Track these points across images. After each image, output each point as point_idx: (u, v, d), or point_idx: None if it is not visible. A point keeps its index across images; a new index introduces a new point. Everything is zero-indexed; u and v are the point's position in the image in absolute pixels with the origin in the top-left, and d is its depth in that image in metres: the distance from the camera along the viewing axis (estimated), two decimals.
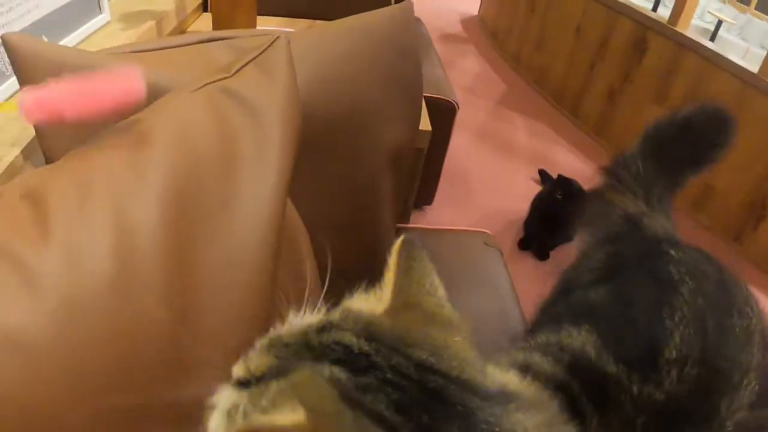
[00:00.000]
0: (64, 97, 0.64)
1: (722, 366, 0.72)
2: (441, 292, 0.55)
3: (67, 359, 0.51)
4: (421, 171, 1.85)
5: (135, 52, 0.93)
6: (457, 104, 2.19)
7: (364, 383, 0.43)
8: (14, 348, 0.48)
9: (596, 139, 3.68)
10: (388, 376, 0.44)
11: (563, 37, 4.12)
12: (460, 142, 3.12)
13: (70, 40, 1.50)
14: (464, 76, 4.50)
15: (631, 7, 3.44)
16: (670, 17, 3.18)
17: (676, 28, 3.12)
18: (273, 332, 0.50)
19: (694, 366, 0.70)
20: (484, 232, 1.63)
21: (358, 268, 1.14)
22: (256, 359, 0.47)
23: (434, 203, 2.67)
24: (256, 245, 0.63)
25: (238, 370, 0.47)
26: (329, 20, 2.11)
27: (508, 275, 1.53)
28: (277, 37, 0.76)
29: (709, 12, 3.65)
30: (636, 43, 3.41)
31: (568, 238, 2.73)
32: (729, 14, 3.59)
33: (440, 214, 2.56)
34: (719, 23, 3.35)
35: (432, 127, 1.69)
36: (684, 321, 0.75)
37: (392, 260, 0.55)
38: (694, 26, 3.35)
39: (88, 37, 1.58)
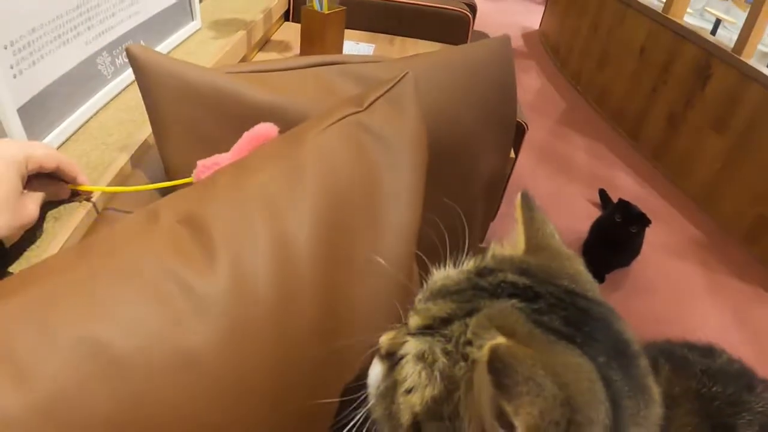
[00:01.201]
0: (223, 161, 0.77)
1: None
2: (557, 234, 0.66)
3: (234, 380, 0.53)
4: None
5: (254, 72, 0.96)
6: (526, 125, 2.19)
7: (537, 308, 0.52)
8: (190, 371, 0.51)
9: (654, 163, 3.66)
10: (551, 301, 0.53)
11: (626, 57, 4.10)
12: (520, 159, 3.13)
13: (164, 46, 1.54)
14: (525, 92, 4.50)
15: (696, 32, 3.41)
16: (734, 45, 3.15)
17: (740, 57, 3.09)
18: (430, 286, 0.60)
19: None
20: None
21: None
22: (435, 307, 0.55)
23: (496, 219, 2.68)
24: (394, 278, 0.67)
25: (417, 320, 0.56)
26: (407, 37, 2.16)
27: None
28: (406, 73, 0.79)
29: None
30: (699, 70, 3.37)
31: (625, 263, 2.73)
32: None
33: (501, 231, 2.56)
34: None
35: None
36: None
37: (517, 213, 0.68)
38: (757, 50, 3.31)
39: (180, 43, 1.63)
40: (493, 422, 0.44)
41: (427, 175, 0.77)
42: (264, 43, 1.99)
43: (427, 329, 0.53)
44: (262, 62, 1.00)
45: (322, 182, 0.64)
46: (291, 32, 2.10)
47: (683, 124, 3.48)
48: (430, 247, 1.00)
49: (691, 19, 3.96)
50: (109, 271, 0.54)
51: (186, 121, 0.89)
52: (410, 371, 0.51)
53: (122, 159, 1.03)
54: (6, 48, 0.93)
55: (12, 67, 0.95)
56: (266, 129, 0.82)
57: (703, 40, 3.34)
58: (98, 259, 0.56)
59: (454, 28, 2.16)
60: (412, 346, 0.53)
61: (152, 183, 0.99)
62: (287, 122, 0.83)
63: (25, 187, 0.78)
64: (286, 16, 2.22)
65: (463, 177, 1.08)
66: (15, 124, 0.95)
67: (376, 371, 0.58)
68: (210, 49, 1.60)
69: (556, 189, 3.33)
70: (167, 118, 0.89)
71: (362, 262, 0.65)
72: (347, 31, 1.82)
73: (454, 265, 0.64)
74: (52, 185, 0.85)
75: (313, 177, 0.64)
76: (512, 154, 1.62)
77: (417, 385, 0.50)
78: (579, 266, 0.62)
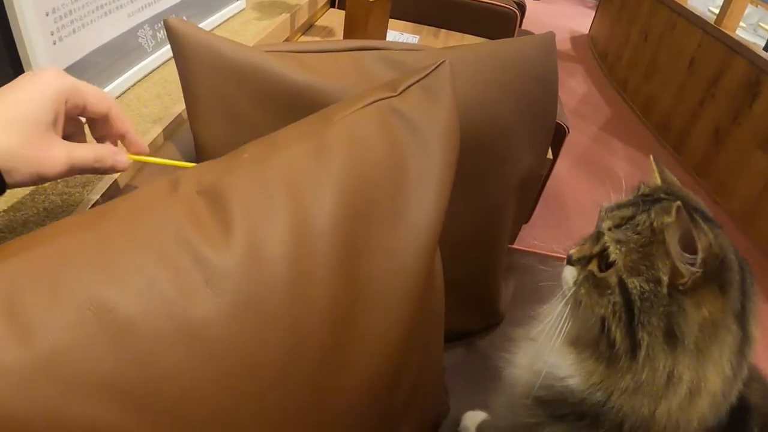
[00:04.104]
0: None
1: None
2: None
3: (242, 355, 0.53)
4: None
5: (291, 51, 0.95)
6: (567, 128, 2.16)
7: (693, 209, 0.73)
8: (197, 341, 0.50)
9: (696, 179, 3.59)
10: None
11: (675, 68, 4.03)
12: (560, 164, 3.11)
13: (207, 24, 1.54)
14: (570, 96, 4.46)
15: (748, 47, 3.34)
16: None
17: None
18: (607, 207, 0.82)
19: None
20: None
21: (469, 283, 1.16)
22: (620, 212, 0.76)
23: (530, 222, 2.66)
24: (414, 268, 0.66)
25: (609, 222, 0.77)
26: (451, 29, 2.15)
27: None
28: (443, 62, 0.78)
29: None
30: (749, 86, 3.30)
31: None
32: None
33: (534, 234, 2.54)
34: None
35: None
36: None
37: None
38: None
39: (224, 22, 1.63)
40: (678, 250, 0.65)
41: (459, 167, 0.76)
42: (308, 28, 1.99)
43: (618, 226, 0.73)
44: (300, 43, 0.99)
45: (347, 164, 0.63)
46: (335, 18, 2.10)
47: (729, 141, 3.41)
48: (455, 240, 0.99)
49: (744, 33, 3.88)
50: (123, 235, 0.54)
51: (219, 97, 0.88)
52: (613, 250, 0.72)
53: (155, 130, 1.03)
54: (48, 15, 0.94)
55: (52, 34, 0.96)
56: None
57: (755, 55, 3.26)
58: (114, 222, 0.55)
59: (500, 25, 2.14)
60: (611, 238, 0.73)
61: (183, 156, 0.99)
62: (321, 103, 0.82)
63: (65, 135, 0.65)
64: (331, 3, 2.22)
65: (496, 171, 1.06)
66: None
67: (569, 271, 0.81)
68: (253, 30, 1.60)
69: (594, 196, 3.29)
70: (200, 92, 0.88)
71: (382, 247, 0.64)
72: (392, 21, 1.81)
73: None
74: (100, 148, 0.69)
75: (338, 158, 0.63)
76: (550, 155, 1.60)
77: (618, 257, 0.71)
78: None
